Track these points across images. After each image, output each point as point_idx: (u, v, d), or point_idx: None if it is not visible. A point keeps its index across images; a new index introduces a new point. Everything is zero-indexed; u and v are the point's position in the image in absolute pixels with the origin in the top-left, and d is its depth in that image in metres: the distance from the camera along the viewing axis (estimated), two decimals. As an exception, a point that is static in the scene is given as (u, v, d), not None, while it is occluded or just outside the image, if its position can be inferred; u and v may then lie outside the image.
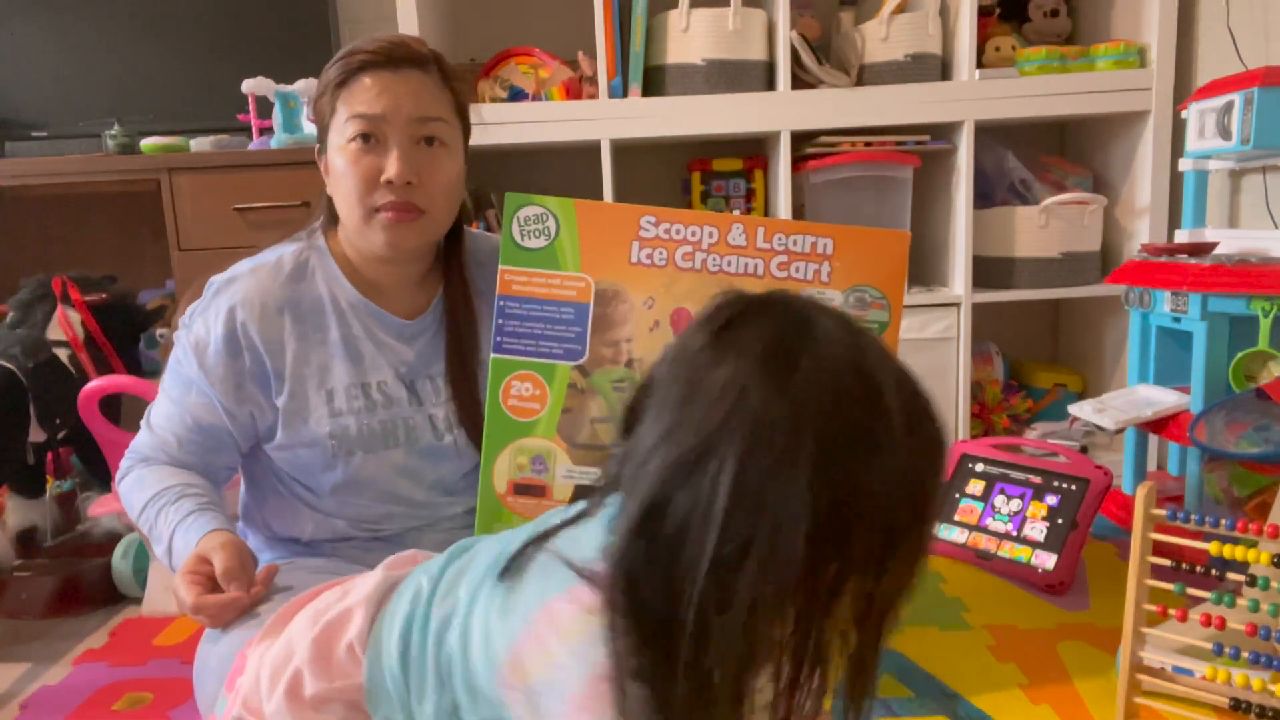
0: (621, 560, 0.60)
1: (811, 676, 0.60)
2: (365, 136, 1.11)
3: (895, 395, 0.58)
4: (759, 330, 0.60)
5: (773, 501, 0.55)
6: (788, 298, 0.64)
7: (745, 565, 0.55)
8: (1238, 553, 1.06)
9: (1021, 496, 1.66)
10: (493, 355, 1.13)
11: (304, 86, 2.07)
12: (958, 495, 1.73)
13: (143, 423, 1.20)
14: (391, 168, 1.10)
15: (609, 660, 0.60)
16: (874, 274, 1.19)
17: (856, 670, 0.62)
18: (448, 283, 1.24)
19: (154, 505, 1.12)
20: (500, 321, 1.14)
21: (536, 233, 1.15)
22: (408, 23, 2.02)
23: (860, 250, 1.19)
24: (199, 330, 1.15)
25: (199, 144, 2.10)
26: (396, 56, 1.13)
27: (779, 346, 0.59)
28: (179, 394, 1.16)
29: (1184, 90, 2.00)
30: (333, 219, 1.22)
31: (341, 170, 1.12)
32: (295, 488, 1.19)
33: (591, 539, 0.65)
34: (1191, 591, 1.12)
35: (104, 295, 1.90)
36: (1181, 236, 1.86)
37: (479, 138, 2.04)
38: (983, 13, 2.12)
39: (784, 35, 2.04)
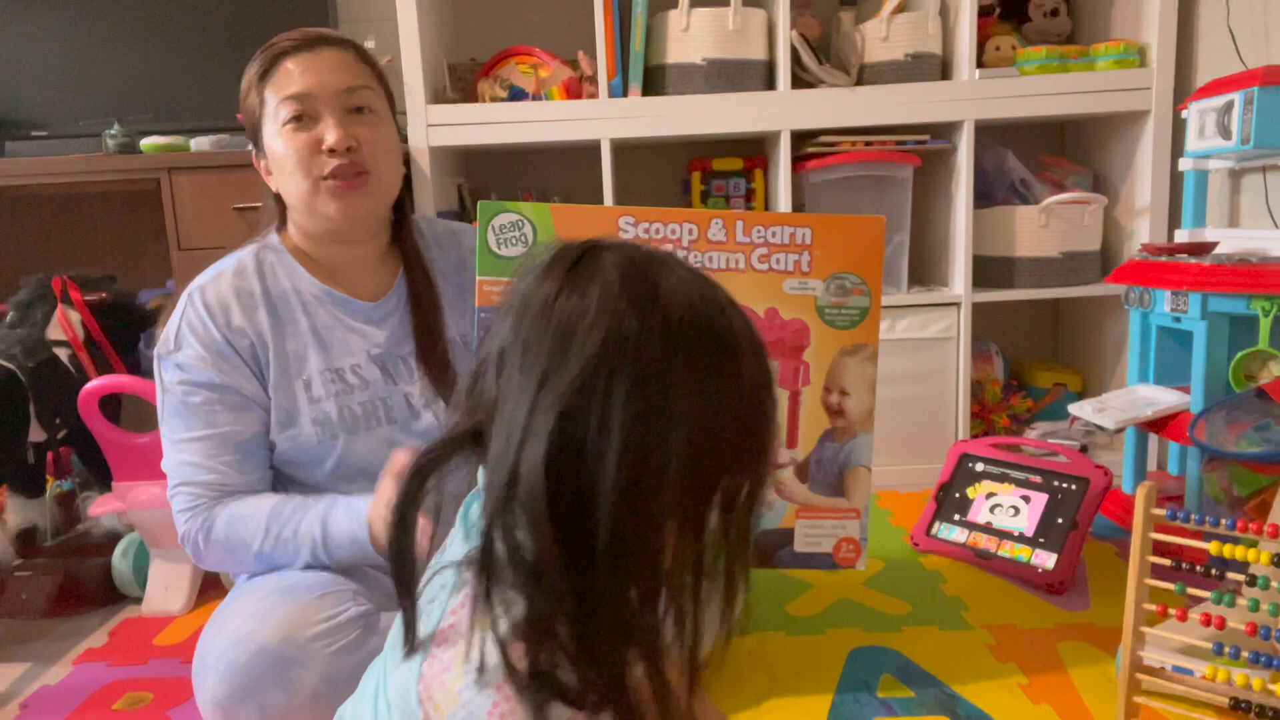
0: (529, 510, 0.57)
1: (699, 590, 0.61)
2: (299, 116, 1.14)
3: (734, 311, 0.63)
4: (610, 262, 0.61)
5: (666, 412, 0.57)
6: (621, 240, 0.65)
7: (646, 481, 0.57)
8: (1238, 552, 1.06)
9: (1022, 496, 1.66)
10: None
11: (304, 86, 2.07)
12: (957, 495, 1.73)
13: (174, 489, 1.16)
14: (330, 135, 1.13)
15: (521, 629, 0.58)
16: (852, 260, 1.21)
17: (728, 583, 0.63)
18: (407, 263, 1.26)
19: (280, 517, 1.12)
20: (481, 334, 1.14)
21: (513, 240, 1.15)
22: (408, 23, 2.02)
23: (838, 237, 1.20)
24: (196, 345, 1.15)
25: (199, 144, 2.10)
26: (313, 38, 1.18)
27: (635, 271, 0.61)
28: (203, 425, 1.14)
29: (1184, 90, 2.00)
30: (282, 219, 1.24)
31: (282, 151, 1.14)
32: (291, 489, 1.20)
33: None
34: (1191, 591, 1.12)
35: (104, 295, 1.89)
36: (1181, 236, 1.86)
37: (479, 138, 2.06)
38: (983, 12, 2.12)
39: (784, 35, 2.03)
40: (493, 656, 0.58)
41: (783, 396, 1.22)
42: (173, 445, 1.16)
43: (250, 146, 1.22)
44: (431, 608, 0.64)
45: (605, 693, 0.58)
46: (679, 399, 0.58)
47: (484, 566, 0.59)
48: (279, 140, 1.14)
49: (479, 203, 1.16)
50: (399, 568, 0.63)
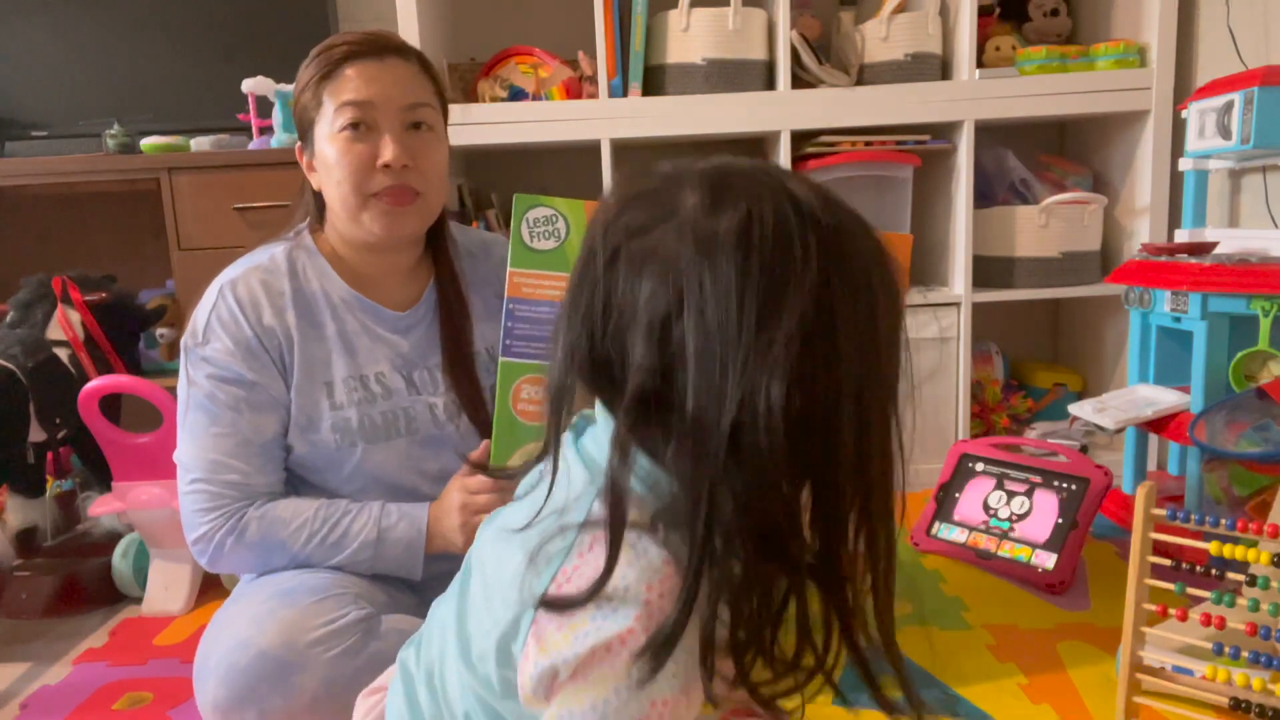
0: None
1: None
2: (356, 124, 1.11)
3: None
4: (770, 185, 0.59)
5: (875, 320, 0.59)
6: (735, 161, 0.62)
7: (870, 392, 0.58)
8: (1238, 552, 1.06)
9: (1022, 496, 1.66)
10: (501, 358, 1.13)
11: (304, 86, 2.07)
12: (957, 495, 1.73)
13: (191, 485, 1.14)
14: (388, 151, 1.11)
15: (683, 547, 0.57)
16: None
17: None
18: (438, 274, 1.25)
19: (329, 520, 1.13)
20: (510, 324, 1.13)
21: (546, 234, 1.15)
22: (408, 22, 2.01)
23: None
24: (226, 339, 1.13)
25: (199, 144, 2.10)
26: (380, 45, 1.14)
27: (809, 189, 0.60)
28: (229, 422, 1.13)
29: (1184, 90, 2.00)
30: (318, 216, 1.22)
31: (334, 159, 1.12)
32: (304, 492, 1.20)
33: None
34: (1191, 591, 1.12)
35: (104, 295, 1.89)
36: (1181, 236, 1.86)
37: (479, 138, 2.06)
38: (983, 12, 2.12)
39: (784, 35, 2.03)
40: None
41: None
42: (192, 440, 1.14)
43: (297, 139, 1.20)
44: (548, 566, 0.60)
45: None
46: (880, 304, 0.59)
47: (705, 537, 0.55)
48: (332, 145, 1.12)
49: (515, 195, 1.16)
50: (616, 533, 0.59)
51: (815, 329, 0.55)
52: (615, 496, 0.57)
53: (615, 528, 0.57)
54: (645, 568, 0.56)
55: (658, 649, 0.55)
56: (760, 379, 0.54)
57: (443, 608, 0.75)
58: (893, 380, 0.61)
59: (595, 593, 0.56)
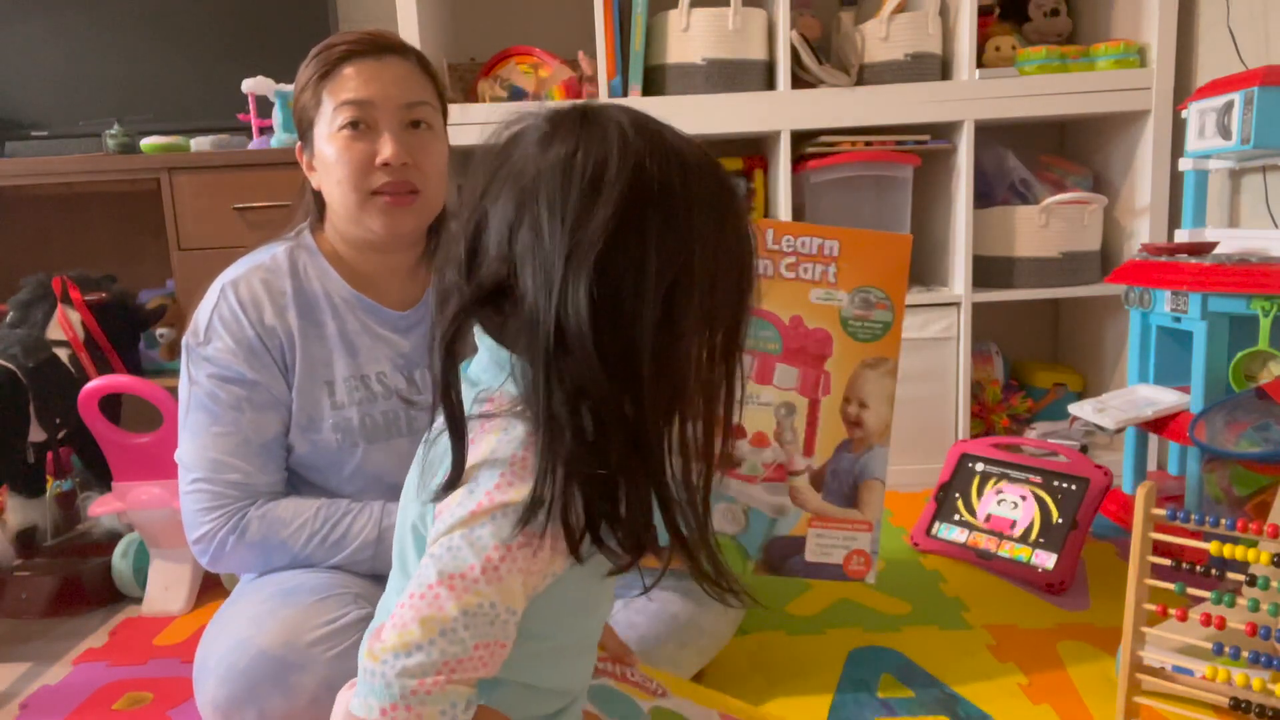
0: (568, 329, 0.63)
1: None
2: (355, 123, 1.12)
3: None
4: (615, 118, 0.67)
5: (689, 243, 0.66)
6: (609, 101, 0.70)
7: (677, 308, 0.65)
8: (1238, 552, 1.06)
9: (1021, 496, 1.66)
10: None
11: (304, 86, 2.07)
12: (958, 495, 1.73)
13: (192, 484, 1.14)
14: (387, 149, 1.11)
15: (542, 426, 0.64)
16: (878, 275, 1.22)
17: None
18: None
19: (330, 520, 1.13)
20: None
21: None
22: (408, 22, 2.02)
23: (865, 252, 1.22)
24: (227, 339, 1.14)
25: (199, 144, 2.10)
26: (379, 44, 1.15)
27: (641, 122, 0.68)
28: (230, 421, 1.13)
29: (1184, 90, 2.00)
30: (319, 216, 1.22)
31: (333, 157, 1.12)
32: (305, 492, 1.20)
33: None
34: (1191, 591, 1.12)
35: (104, 295, 1.89)
36: (1181, 236, 1.86)
37: (479, 138, 2.06)
38: (983, 12, 2.12)
39: (784, 35, 2.04)
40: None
41: (802, 404, 1.24)
42: (194, 439, 1.14)
43: (297, 139, 1.20)
44: (441, 467, 0.68)
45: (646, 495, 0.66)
46: (698, 229, 0.66)
47: (546, 413, 0.63)
48: (331, 144, 1.12)
49: None
50: (453, 418, 0.67)
51: (621, 238, 0.63)
52: (444, 385, 0.67)
53: (449, 409, 0.66)
54: (513, 439, 0.66)
55: (531, 499, 0.64)
56: (571, 275, 0.62)
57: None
58: (714, 301, 0.67)
59: (461, 471, 0.66)
